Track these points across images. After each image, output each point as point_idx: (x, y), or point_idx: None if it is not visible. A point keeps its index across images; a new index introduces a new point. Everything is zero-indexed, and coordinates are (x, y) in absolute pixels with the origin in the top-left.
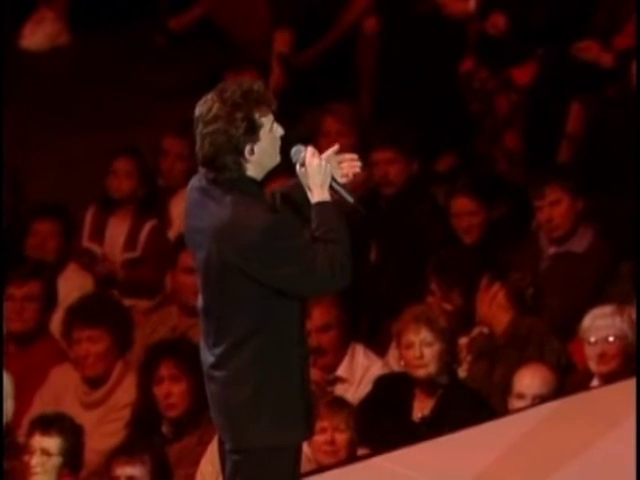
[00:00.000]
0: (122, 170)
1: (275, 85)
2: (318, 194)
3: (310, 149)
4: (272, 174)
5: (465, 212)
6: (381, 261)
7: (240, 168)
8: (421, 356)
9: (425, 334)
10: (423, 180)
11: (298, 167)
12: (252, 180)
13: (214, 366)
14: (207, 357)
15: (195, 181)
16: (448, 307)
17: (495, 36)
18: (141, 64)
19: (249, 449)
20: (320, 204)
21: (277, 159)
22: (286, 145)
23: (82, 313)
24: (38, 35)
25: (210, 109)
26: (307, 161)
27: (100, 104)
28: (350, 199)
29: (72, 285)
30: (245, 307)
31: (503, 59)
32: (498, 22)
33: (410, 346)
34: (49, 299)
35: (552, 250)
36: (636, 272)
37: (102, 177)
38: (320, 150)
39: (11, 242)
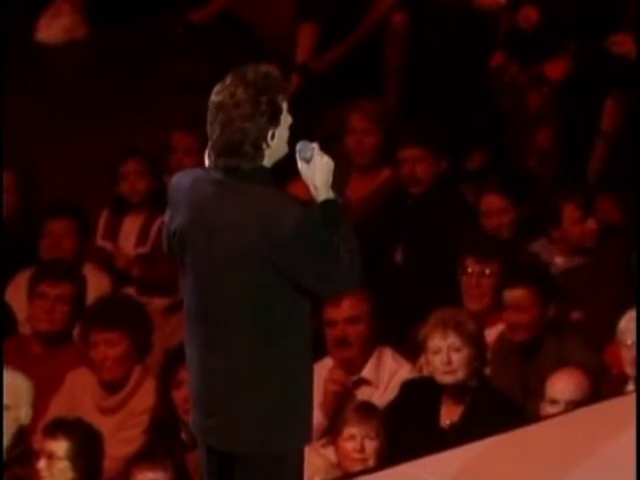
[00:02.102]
0: (133, 172)
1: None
2: (325, 192)
3: (317, 146)
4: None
5: (495, 211)
6: (408, 262)
7: (261, 156)
8: (449, 362)
9: (453, 339)
10: (452, 178)
11: (302, 163)
12: (268, 170)
13: (225, 370)
14: (210, 361)
15: (200, 173)
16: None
17: (527, 29)
18: (160, 58)
19: (267, 454)
20: (329, 202)
21: (285, 150)
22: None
23: (100, 315)
24: (54, 28)
25: (233, 94)
26: (316, 158)
27: (118, 99)
28: (340, 197)
29: (89, 286)
30: (266, 308)
31: (535, 53)
32: (530, 15)
33: (437, 352)
34: (79, 303)
35: (560, 261)
36: (636, 273)
37: (117, 175)
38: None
39: (24, 242)
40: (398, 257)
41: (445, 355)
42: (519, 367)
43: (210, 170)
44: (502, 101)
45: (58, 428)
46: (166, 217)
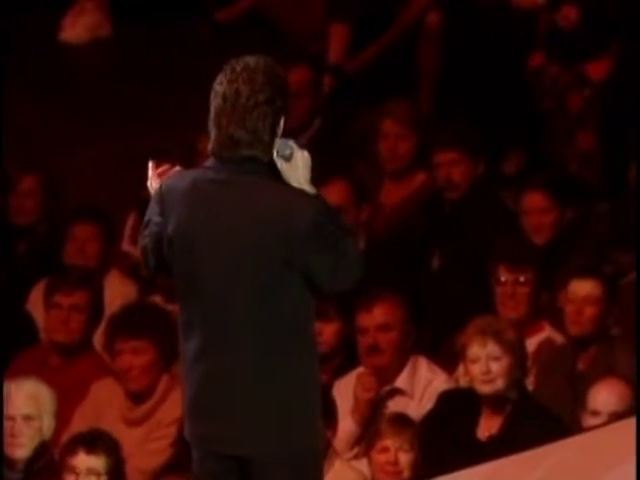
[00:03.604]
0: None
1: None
2: (309, 187)
3: (294, 143)
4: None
5: (537, 209)
6: (445, 269)
7: (270, 147)
8: (488, 371)
9: (492, 347)
10: (489, 182)
11: (282, 162)
12: (267, 166)
13: (230, 374)
14: (213, 365)
15: (197, 174)
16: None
17: (567, 29)
18: (186, 57)
19: (270, 457)
20: (317, 197)
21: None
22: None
23: (125, 323)
24: (78, 27)
25: (252, 79)
26: (297, 155)
27: (143, 99)
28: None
29: (114, 292)
30: (275, 310)
31: (576, 53)
32: (570, 14)
33: (476, 360)
34: (96, 311)
35: None
36: (636, 275)
37: (144, 178)
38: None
39: (49, 247)
40: (435, 264)
41: (484, 364)
42: (567, 374)
43: (207, 170)
44: (542, 103)
45: (96, 443)
46: (153, 227)
